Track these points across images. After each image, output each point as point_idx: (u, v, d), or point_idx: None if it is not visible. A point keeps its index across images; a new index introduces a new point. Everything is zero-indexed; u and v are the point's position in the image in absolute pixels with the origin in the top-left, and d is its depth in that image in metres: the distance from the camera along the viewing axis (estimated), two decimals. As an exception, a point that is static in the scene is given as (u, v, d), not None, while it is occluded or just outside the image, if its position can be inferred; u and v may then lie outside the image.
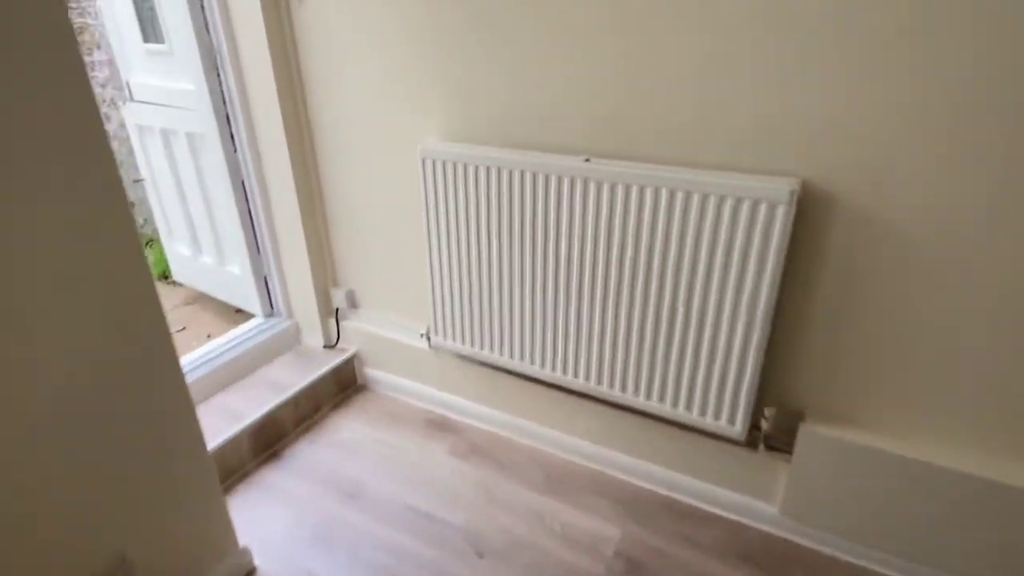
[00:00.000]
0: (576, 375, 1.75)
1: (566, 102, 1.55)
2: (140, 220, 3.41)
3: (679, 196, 1.40)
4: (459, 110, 1.73)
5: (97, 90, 3.20)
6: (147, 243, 3.34)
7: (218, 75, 2.05)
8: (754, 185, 1.31)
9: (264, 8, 1.86)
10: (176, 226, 2.64)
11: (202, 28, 1.99)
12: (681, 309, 1.50)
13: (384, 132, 1.90)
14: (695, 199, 1.38)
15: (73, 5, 2.99)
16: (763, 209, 1.31)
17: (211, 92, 2.06)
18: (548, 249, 1.64)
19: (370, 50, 1.80)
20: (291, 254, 2.27)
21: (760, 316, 1.40)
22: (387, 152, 1.93)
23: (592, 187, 1.50)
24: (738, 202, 1.34)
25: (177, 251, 2.72)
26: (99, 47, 3.00)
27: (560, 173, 1.53)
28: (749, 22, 1.27)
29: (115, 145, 3.30)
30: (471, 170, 1.67)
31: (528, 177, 1.58)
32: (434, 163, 1.72)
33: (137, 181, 2.59)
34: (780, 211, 1.30)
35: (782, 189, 1.28)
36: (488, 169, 1.64)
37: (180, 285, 2.93)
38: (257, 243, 2.32)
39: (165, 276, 3.00)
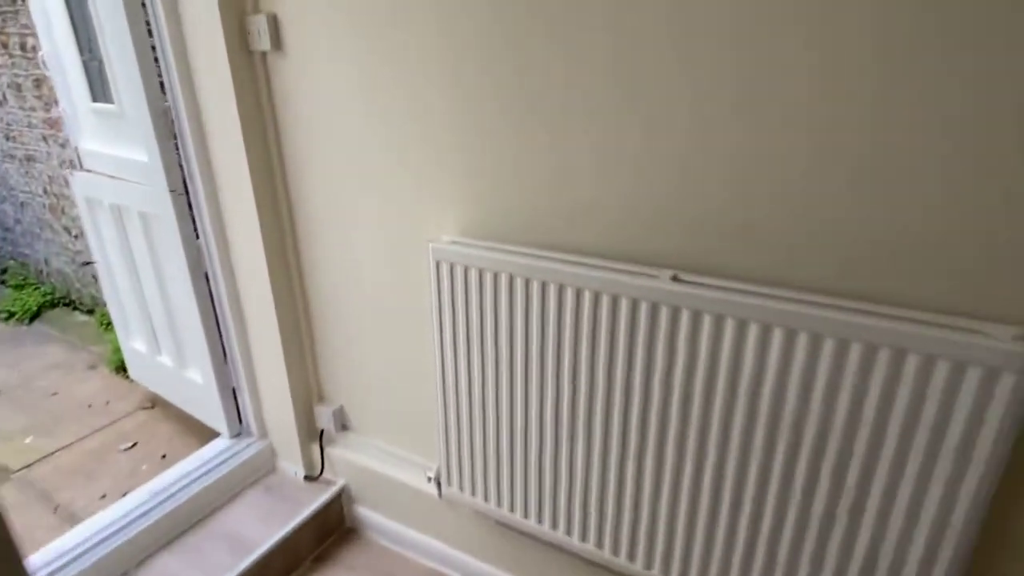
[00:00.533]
0: (648, 566, 1.25)
1: (645, 191, 1.10)
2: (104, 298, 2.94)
3: (828, 345, 0.92)
4: (488, 199, 1.28)
5: (57, 151, 2.78)
6: (107, 324, 2.87)
7: (175, 144, 1.62)
8: (957, 338, 0.84)
9: (232, 62, 1.44)
10: (132, 318, 2.18)
11: (155, 86, 1.57)
12: (821, 505, 1.01)
13: (387, 221, 1.45)
14: (855, 352, 0.91)
15: (29, 55, 2.60)
16: (973, 377, 0.84)
17: (166, 165, 1.63)
18: (613, 394, 1.16)
19: (371, 115, 1.37)
20: (266, 362, 1.80)
21: (955, 530, 0.91)
22: (390, 246, 1.47)
23: (684, 319, 1.03)
24: (927, 361, 0.86)
25: (132, 346, 2.25)
26: (57, 102, 2.59)
27: (633, 294, 1.07)
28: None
29: (75, 212, 2.87)
30: (503, 281, 1.21)
31: (586, 297, 1.12)
32: (452, 268, 1.26)
33: (87, 264, 2.14)
34: (1005, 383, 0.82)
35: (1009, 349, 0.81)
36: (527, 283, 1.18)
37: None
38: (224, 348, 1.85)
39: (124, 368, 2.52)
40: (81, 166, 2.04)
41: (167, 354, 2.08)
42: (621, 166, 1.10)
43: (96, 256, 2.16)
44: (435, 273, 1.30)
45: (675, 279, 1.06)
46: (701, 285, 1.03)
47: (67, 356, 2.80)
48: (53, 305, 3.22)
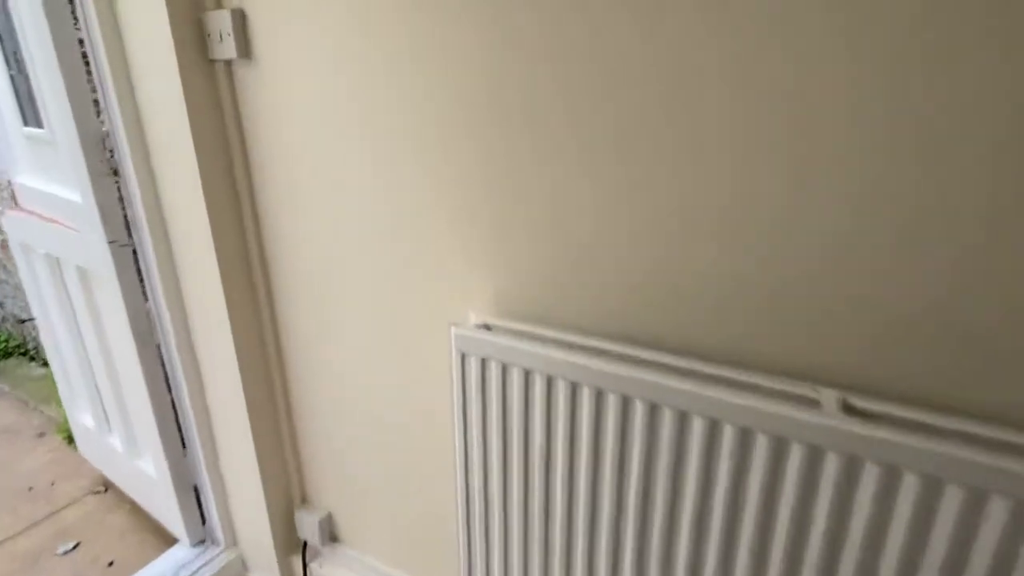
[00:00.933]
0: None
1: (804, 267, 0.71)
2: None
3: None
4: (538, 264, 0.90)
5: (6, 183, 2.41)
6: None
7: (116, 182, 1.24)
8: None
9: (185, 74, 1.07)
10: (78, 388, 1.79)
11: (87, 105, 1.20)
12: None
13: (393, 288, 1.07)
14: None
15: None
16: None
17: (103, 208, 1.25)
18: (732, 565, 0.77)
19: (372, 143, 0.99)
20: (234, 455, 1.41)
21: None
22: (397, 321, 1.09)
23: (869, 478, 0.64)
24: None
25: (80, 420, 1.85)
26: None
27: (777, 429, 0.68)
28: None
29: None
30: (560, 390, 0.82)
31: (694, 426, 0.73)
32: (483, 364, 0.88)
33: (23, 321, 1.77)
34: None
35: None
36: (599, 394, 0.79)
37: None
38: (182, 437, 1.45)
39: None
40: (16, 203, 1.66)
41: (116, 435, 1.69)
42: (757, 221, 0.72)
43: (36, 312, 1.77)
44: (459, 368, 0.91)
45: (846, 407, 0.67)
46: (894, 421, 0.64)
47: (15, 418, 2.40)
48: (8, 355, 2.82)
